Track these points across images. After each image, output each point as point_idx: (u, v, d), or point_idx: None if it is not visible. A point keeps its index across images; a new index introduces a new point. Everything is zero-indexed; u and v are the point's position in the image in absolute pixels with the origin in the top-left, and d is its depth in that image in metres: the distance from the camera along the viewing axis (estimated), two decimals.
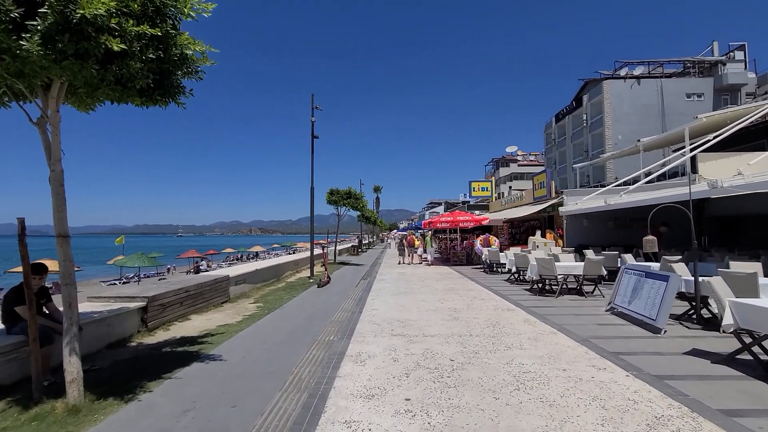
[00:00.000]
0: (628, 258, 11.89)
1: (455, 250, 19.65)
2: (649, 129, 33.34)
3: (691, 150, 17.71)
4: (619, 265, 10.91)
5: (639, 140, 21.68)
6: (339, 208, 19.76)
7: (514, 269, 11.95)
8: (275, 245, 57.22)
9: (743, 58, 35.10)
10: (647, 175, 20.52)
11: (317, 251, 16.26)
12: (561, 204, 17.16)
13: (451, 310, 7.99)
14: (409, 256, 20.69)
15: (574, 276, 9.88)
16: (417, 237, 26.83)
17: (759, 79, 33.07)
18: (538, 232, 17.25)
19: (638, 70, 34.52)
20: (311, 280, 12.91)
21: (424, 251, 19.90)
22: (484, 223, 18.65)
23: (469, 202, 59.09)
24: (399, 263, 20.48)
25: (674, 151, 25.02)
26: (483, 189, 28.12)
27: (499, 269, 15.32)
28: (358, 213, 40.20)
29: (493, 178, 30.44)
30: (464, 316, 7.33)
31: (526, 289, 10.77)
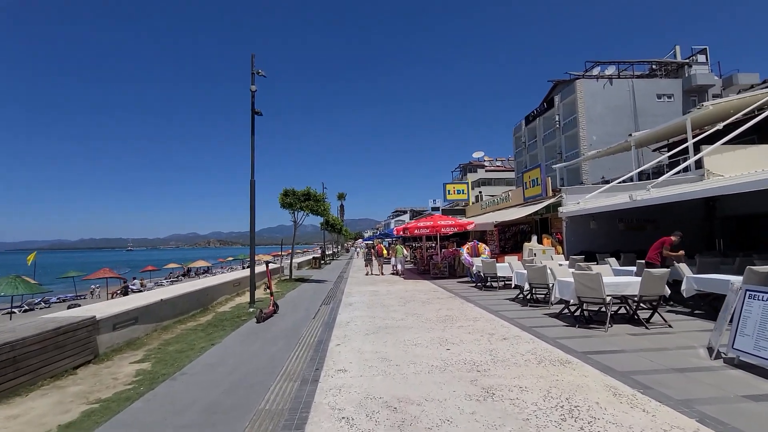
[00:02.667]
0: (685, 270, 9.25)
1: (435, 260, 16.61)
2: (623, 130, 32.37)
3: (700, 142, 15.85)
4: (686, 280, 8.11)
5: (630, 134, 19.83)
6: (296, 213, 16.21)
7: (526, 287, 8.97)
8: (230, 258, 51.89)
9: (705, 61, 35.29)
10: (658, 171, 18.40)
11: (260, 268, 12.62)
12: (559, 204, 14.61)
13: (470, 367, 4.78)
14: (378, 266, 19.13)
15: (620, 297, 7.02)
16: (385, 246, 23.81)
17: (724, 81, 33.07)
18: (534, 238, 14.58)
19: (609, 71, 33.62)
20: (251, 310, 9.30)
21: (395, 261, 18.62)
22: (469, 228, 15.78)
23: (439, 208, 56.85)
24: (367, 274, 18.85)
25: (665, 147, 23.58)
26: (459, 192, 25.52)
27: (493, 283, 12.42)
28: (322, 221, 36.56)
29: (469, 180, 27.88)
30: (499, 386, 4.13)
31: (548, 315, 7.81)
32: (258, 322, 7.92)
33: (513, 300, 9.85)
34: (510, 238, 18.39)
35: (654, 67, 36.49)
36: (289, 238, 18.19)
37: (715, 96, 33.27)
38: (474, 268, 13.01)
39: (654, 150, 26.05)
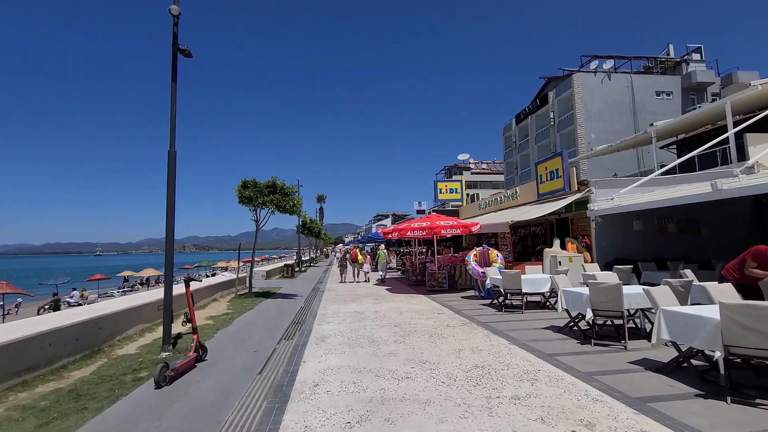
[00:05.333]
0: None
1: (431, 269, 13.54)
2: (622, 128, 30.37)
3: (743, 131, 13.40)
4: None
5: (652, 124, 17.37)
6: (258, 210, 12.82)
7: (589, 315, 5.94)
8: (201, 263, 47.03)
9: (700, 59, 33.91)
10: (704, 158, 15.43)
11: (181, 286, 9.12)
12: (585, 201, 11.80)
13: None
14: (354, 273, 18.25)
15: None
16: (367, 251, 20.93)
17: (723, 80, 31.58)
18: (557, 242, 11.69)
19: (607, 65, 31.63)
20: (164, 355, 5.93)
21: (370, 267, 18.13)
22: (474, 230, 12.78)
23: (425, 211, 54.10)
24: (341, 281, 17.77)
25: (673, 144, 21.35)
26: (452, 191, 22.65)
27: (514, 301, 9.46)
28: (298, 223, 32.92)
29: (463, 178, 25.09)
30: None
31: (639, 362, 4.77)
32: (158, 386, 4.57)
33: (560, 330, 6.82)
34: (518, 242, 15.52)
35: (649, 64, 34.93)
36: (265, 243, 14.75)
37: (714, 95, 31.81)
38: (488, 280, 9.96)
39: (662, 147, 23.92)
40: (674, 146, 22.50)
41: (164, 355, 5.88)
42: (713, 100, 30.43)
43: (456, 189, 22.69)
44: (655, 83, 31.90)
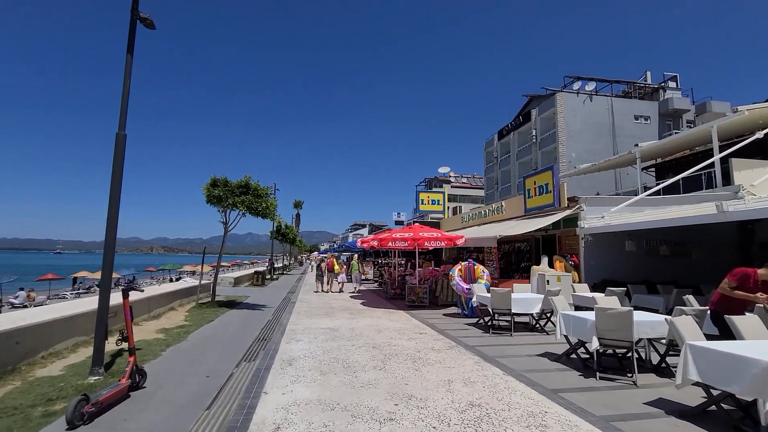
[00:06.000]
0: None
1: (411, 283, 12.78)
2: (601, 148, 30.84)
3: (729, 155, 13.39)
4: None
5: (637, 144, 17.40)
6: (227, 211, 11.75)
7: (595, 344, 5.27)
8: (165, 266, 44.21)
9: (676, 87, 35.09)
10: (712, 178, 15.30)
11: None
12: (576, 218, 11.38)
13: None
14: (328, 283, 17.70)
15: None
16: (338, 261, 20.15)
17: (697, 108, 32.71)
18: (545, 260, 11.17)
19: (589, 87, 32.21)
20: (92, 380, 4.85)
21: (346, 277, 17.93)
22: (459, 243, 12.14)
23: (403, 222, 53.51)
24: (316, 291, 17.49)
25: (651, 167, 21.59)
26: (434, 202, 22.07)
27: (501, 321, 8.80)
28: (272, 229, 31.52)
29: (446, 190, 24.61)
30: None
31: (659, 406, 4.12)
32: (72, 426, 3.55)
33: (558, 359, 6.14)
34: (501, 258, 14.99)
35: (628, 89, 35.91)
36: (236, 247, 13.61)
37: (689, 122, 32.87)
38: (474, 298, 9.26)
39: (642, 169, 24.23)
40: (653, 169, 22.85)
41: (93, 379, 4.82)
42: (689, 127, 31.48)
43: (438, 200, 22.14)
44: (633, 107, 32.73)
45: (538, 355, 6.45)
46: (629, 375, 5.28)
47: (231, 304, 12.31)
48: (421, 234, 12.00)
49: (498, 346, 7.16)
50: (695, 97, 33.79)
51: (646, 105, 33.03)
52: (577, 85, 32.18)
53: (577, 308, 10.00)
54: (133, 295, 6.51)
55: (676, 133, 26.04)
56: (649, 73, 37.12)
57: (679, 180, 13.43)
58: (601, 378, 5.25)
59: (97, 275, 33.10)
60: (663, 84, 34.98)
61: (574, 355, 6.05)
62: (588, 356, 5.88)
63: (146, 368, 5.02)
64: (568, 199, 11.66)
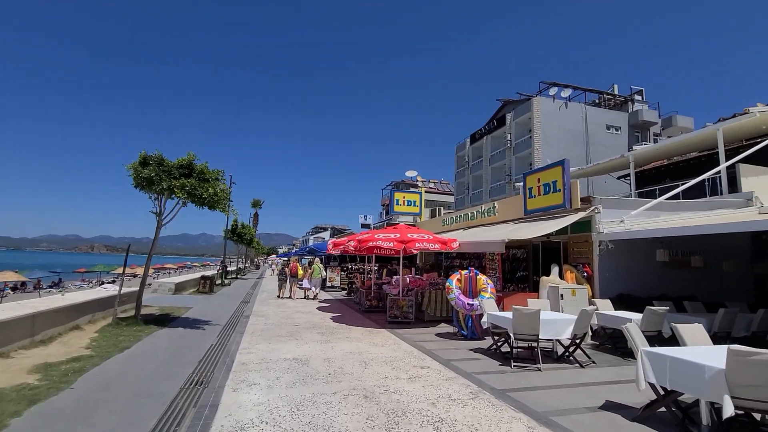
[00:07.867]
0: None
1: (393, 295, 10.64)
2: (575, 156, 30.33)
3: (740, 161, 12.42)
4: None
5: (633, 148, 16.38)
6: (162, 199, 9.03)
7: (729, 412, 3.35)
8: (95, 268, 38.65)
9: (641, 100, 35.73)
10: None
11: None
12: (588, 222, 9.77)
13: None
14: (290, 289, 16.50)
15: None
16: (302, 265, 17.87)
17: (663, 122, 33.32)
18: (555, 269, 9.44)
19: (565, 93, 31.82)
20: None
21: (309, 283, 16.52)
22: (454, 246, 10.15)
23: (370, 225, 51.24)
24: (279, 297, 16.29)
25: (626, 176, 20.87)
26: (410, 203, 20.13)
27: (509, 349, 6.84)
28: (227, 227, 28.14)
29: (423, 190, 22.77)
30: None
31: None
32: None
33: (637, 418, 4.19)
34: (496, 268, 13.16)
35: (599, 99, 36.13)
36: (187, 248, 10.71)
37: (656, 135, 33.37)
38: (485, 318, 7.23)
39: (618, 178, 23.68)
40: (629, 178, 22.28)
41: None
42: (655, 140, 31.84)
43: (415, 201, 20.22)
44: (606, 117, 32.77)
45: (603, 409, 4.49)
46: None
47: (163, 320, 9.48)
48: (409, 236, 9.89)
49: (535, 390, 5.15)
50: (661, 112, 34.47)
51: (617, 115, 33.23)
52: (552, 91, 31.71)
53: (603, 330, 8.34)
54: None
55: (645, 144, 25.91)
56: (616, 86, 37.68)
57: (678, 186, 12.33)
58: None
59: (14, 277, 28.07)
60: (629, 97, 35.50)
61: (675, 411, 4.14)
62: (681, 414, 3.98)
63: None
64: (581, 199, 10.03)
